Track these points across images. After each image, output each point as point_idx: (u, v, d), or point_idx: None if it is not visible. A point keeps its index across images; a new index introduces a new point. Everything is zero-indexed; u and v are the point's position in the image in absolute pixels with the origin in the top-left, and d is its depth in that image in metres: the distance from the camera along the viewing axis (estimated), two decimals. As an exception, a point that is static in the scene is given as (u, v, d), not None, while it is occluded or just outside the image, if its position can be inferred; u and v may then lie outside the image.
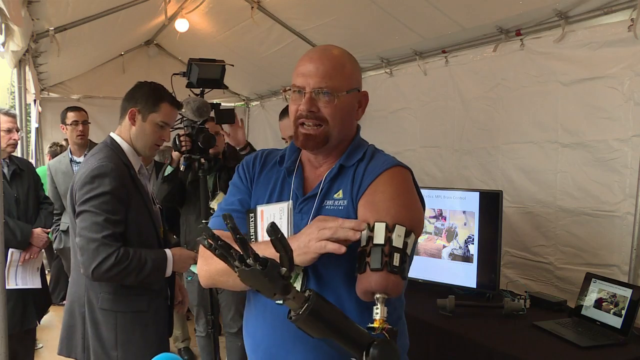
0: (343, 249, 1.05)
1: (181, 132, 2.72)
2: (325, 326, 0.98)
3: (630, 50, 2.34)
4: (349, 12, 3.43)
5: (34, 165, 5.20)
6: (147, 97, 2.00)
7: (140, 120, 2.00)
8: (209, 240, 0.93)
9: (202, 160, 2.71)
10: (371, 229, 1.09)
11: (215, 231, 0.98)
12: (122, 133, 2.03)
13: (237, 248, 0.93)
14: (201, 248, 1.25)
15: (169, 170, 2.88)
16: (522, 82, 2.87)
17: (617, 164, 2.40)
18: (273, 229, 0.93)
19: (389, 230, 1.08)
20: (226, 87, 2.74)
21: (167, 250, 1.99)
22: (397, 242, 1.07)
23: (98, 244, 1.79)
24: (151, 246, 1.98)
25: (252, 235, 1.30)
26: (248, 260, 0.91)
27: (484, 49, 3.10)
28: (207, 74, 2.61)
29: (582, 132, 2.56)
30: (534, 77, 2.80)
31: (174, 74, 2.68)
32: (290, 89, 1.27)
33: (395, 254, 1.06)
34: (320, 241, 1.07)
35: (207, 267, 1.27)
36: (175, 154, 2.84)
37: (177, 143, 2.72)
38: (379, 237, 1.07)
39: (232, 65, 2.77)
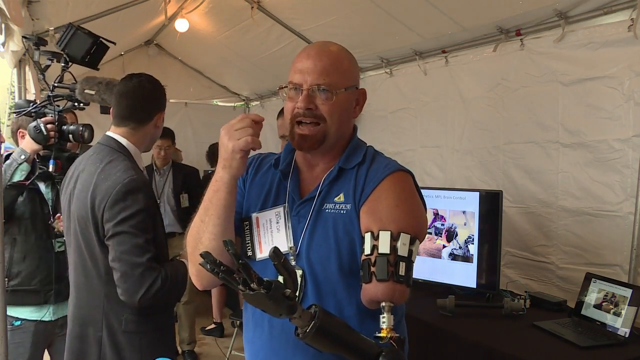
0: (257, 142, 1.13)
1: (47, 118, 2.20)
2: (333, 341, 0.98)
3: (630, 50, 2.34)
4: (349, 12, 3.42)
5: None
6: (164, 97, 1.91)
7: (161, 122, 1.91)
8: (211, 265, 0.93)
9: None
10: (375, 237, 1.08)
11: None
12: (134, 137, 1.84)
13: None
14: (188, 253, 1.24)
15: (26, 168, 2.19)
16: (522, 82, 2.87)
17: (618, 164, 2.40)
18: (276, 254, 0.93)
19: (394, 238, 1.07)
20: (94, 67, 2.30)
21: (185, 261, 1.83)
22: (402, 250, 1.07)
23: (143, 269, 1.64)
24: (166, 255, 1.86)
25: (248, 244, 1.28)
26: (252, 285, 0.91)
27: (484, 49, 3.10)
28: (75, 45, 2.23)
29: (582, 132, 2.56)
30: (534, 77, 2.80)
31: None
32: (285, 87, 1.24)
33: (400, 263, 1.06)
34: (238, 140, 1.11)
35: (196, 271, 1.25)
36: (36, 147, 2.19)
37: (45, 133, 2.13)
38: (384, 246, 1.07)
39: (114, 43, 2.38)
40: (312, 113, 1.20)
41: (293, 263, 1.21)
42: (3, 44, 3.11)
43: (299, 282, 1.19)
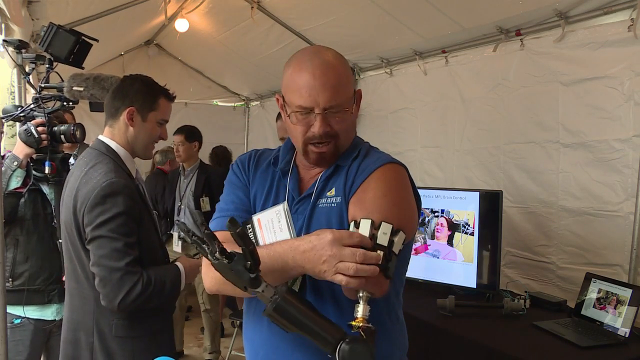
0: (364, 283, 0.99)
1: (38, 120, 2.19)
2: (292, 321, 0.99)
3: (630, 50, 2.34)
4: (349, 12, 3.42)
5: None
6: (144, 94, 1.80)
7: (140, 121, 1.79)
8: (184, 233, 0.96)
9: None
10: (357, 225, 1.07)
11: (217, 233, 1.00)
12: (117, 136, 1.80)
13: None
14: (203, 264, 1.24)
15: (21, 174, 2.18)
16: (522, 82, 2.87)
17: (619, 164, 2.40)
18: (232, 223, 0.95)
19: (374, 227, 1.05)
20: (78, 66, 2.27)
21: (179, 264, 1.82)
22: (382, 239, 1.04)
23: (122, 273, 1.61)
24: (159, 259, 1.83)
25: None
26: (216, 254, 0.95)
27: (484, 49, 3.10)
28: (57, 44, 2.21)
29: (583, 132, 2.56)
30: (534, 77, 2.80)
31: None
32: (282, 96, 1.22)
33: (378, 252, 1.02)
34: (337, 274, 1.00)
35: (213, 274, 1.24)
36: (28, 151, 2.18)
37: (37, 136, 2.14)
38: (363, 234, 1.05)
39: (97, 40, 2.34)
40: (328, 135, 1.19)
41: None
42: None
43: (299, 279, 1.19)
